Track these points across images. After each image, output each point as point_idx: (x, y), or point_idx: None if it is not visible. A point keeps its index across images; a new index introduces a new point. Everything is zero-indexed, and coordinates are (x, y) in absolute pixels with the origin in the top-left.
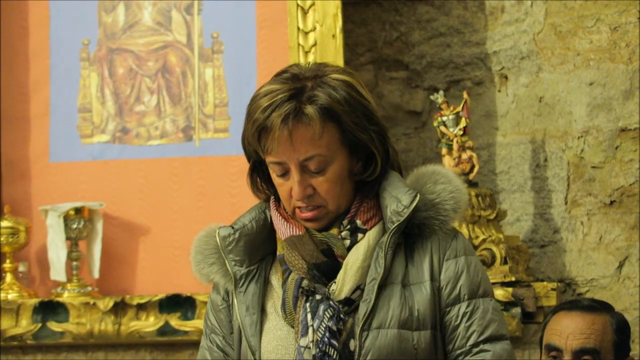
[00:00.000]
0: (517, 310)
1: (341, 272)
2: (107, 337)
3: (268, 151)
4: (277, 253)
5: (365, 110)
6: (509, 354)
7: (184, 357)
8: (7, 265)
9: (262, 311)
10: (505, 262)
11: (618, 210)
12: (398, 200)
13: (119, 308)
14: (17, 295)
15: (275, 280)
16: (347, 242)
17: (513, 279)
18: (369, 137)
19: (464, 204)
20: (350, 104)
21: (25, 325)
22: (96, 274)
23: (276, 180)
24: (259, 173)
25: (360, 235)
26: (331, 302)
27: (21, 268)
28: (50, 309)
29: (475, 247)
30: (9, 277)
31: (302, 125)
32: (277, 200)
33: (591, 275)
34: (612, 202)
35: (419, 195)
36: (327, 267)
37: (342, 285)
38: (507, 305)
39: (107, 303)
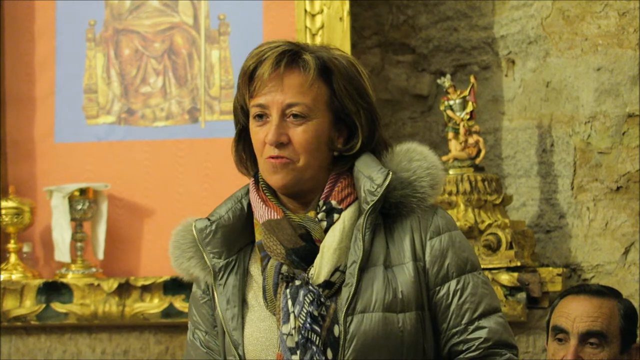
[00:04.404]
0: (522, 296)
1: (318, 255)
2: (111, 319)
3: (256, 90)
4: (256, 239)
5: (360, 85)
6: (504, 326)
7: None
8: (11, 245)
9: (244, 303)
10: (511, 247)
11: (624, 196)
12: (371, 179)
13: (123, 289)
14: (21, 275)
15: (255, 270)
16: (324, 223)
17: (518, 264)
18: (355, 110)
19: (440, 180)
20: (347, 72)
21: (29, 306)
22: (100, 255)
23: (253, 129)
24: (244, 143)
25: (336, 216)
26: (310, 287)
27: (25, 249)
28: (54, 289)
29: (481, 232)
30: (13, 258)
31: (295, 69)
32: (257, 182)
33: (597, 261)
34: (618, 188)
35: (391, 173)
36: (305, 252)
37: (320, 268)
38: (512, 290)
39: (111, 284)
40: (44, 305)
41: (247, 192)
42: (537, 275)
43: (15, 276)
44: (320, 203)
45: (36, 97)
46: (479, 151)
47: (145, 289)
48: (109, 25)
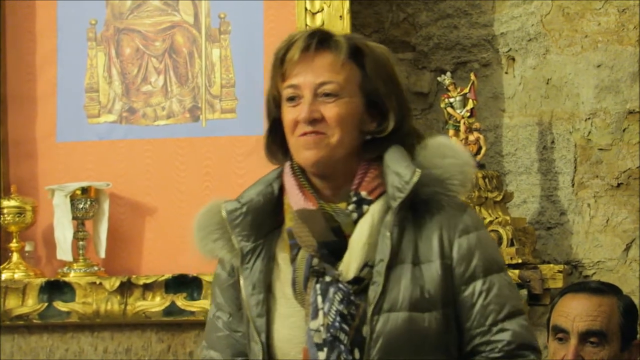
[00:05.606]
0: (523, 292)
1: (347, 251)
2: (113, 317)
3: (287, 72)
4: (286, 225)
5: (392, 71)
6: (527, 329)
7: (190, 337)
8: (13, 244)
9: (269, 292)
10: (512, 244)
11: (625, 193)
12: (399, 175)
13: (125, 288)
14: (23, 274)
15: (282, 257)
16: (355, 215)
17: (519, 261)
18: (387, 93)
19: (472, 178)
20: (380, 57)
21: (31, 304)
22: (102, 254)
23: (286, 109)
24: (275, 135)
25: (365, 207)
26: (340, 285)
27: (27, 248)
28: (56, 288)
29: None
30: (15, 257)
31: (327, 49)
32: (293, 167)
33: (598, 258)
34: (619, 185)
35: (419, 172)
36: (335, 246)
37: (349, 264)
38: None
39: (113, 283)
40: (46, 304)
41: (278, 176)
42: (538, 272)
43: (18, 275)
44: (351, 194)
45: (37, 96)
46: (480, 148)
47: (147, 287)
48: (109, 24)
